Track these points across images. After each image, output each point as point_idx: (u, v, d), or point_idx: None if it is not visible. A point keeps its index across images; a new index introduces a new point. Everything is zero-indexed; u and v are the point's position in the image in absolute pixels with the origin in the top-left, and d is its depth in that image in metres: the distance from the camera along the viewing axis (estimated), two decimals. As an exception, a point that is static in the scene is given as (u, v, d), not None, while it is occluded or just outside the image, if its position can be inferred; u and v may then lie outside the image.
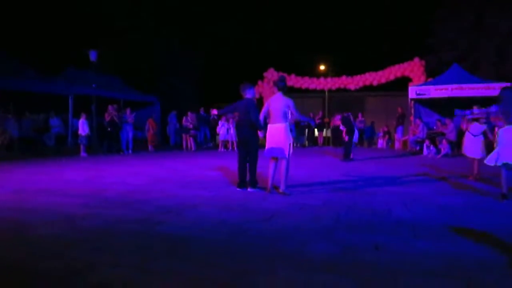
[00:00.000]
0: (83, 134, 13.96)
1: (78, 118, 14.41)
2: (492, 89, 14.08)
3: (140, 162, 11.50)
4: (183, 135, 17.38)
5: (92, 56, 16.04)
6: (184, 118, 17.22)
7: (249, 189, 6.47)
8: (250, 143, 6.48)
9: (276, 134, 6.15)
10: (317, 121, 19.88)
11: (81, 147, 13.85)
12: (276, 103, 6.20)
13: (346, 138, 12.07)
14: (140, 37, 23.25)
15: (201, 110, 19.36)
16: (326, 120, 22.70)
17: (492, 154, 5.94)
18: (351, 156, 11.97)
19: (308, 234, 3.98)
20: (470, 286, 2.73)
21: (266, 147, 6.29)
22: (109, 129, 14.82)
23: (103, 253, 3.41)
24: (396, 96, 19.51)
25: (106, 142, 15.25)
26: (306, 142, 20.11)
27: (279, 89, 6.31)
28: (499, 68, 18.30)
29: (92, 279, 2.85)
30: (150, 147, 16.54)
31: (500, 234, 3.99)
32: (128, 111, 15.42)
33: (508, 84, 13.97)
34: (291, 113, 6.39)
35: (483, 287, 2.73)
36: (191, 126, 16.94)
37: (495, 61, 18.02)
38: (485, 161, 6.12)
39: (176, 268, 3.06)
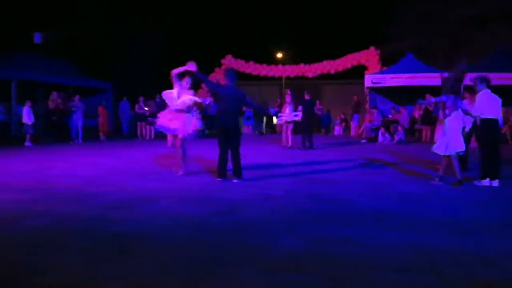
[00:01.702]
0: (28, 122, 13.01)
1: (23, 105, 13.41)
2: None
3: (92, 152, 10.87)
4: (138, 123, 16.70)
5: (37, 38, 14.98)
6: (136, 105, 16.53)
7: (235, 181, 6.18)
8: (236, 132, 6.35)
9: (177, 116, 6.52)
10: (276, 109, 19.77)
11: (27, 136, 12.91)
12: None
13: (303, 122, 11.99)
14: (93, 19, 21.98)
15: (158, 97, 18.69)
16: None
17: (441, 143, 6.05)
18: (307, 145, 11.87)
19: (273, 228, 3.81)
20: (441, 280, 2.67)
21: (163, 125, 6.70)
22: (54, 117, 13.92)
23: (47, 255, 3.07)
24: (353, 84, 19.82)
25: (53, 131, 14.33)
26: (264, 130, 20.02)
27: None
28: (452, 57, 19.02)
29: (32, 286, 2.53)
30: (101, 136, 15.77)
31: (464, 222, 4.02)
32: (77, 98, 14.53)
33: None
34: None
35: (454, 280, 2.68)
36: (147, 113, 16.27)
37: (447, 51, 18.70)
38: (432, 149, 6.22)
39: (126, 271, 2.77)
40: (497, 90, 14.58)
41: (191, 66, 6.29)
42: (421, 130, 15.10)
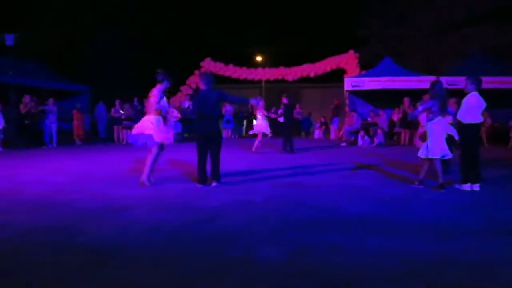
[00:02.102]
0: (-2, 127, 12.46)
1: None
2: (422, 82, 14.74)
3: (65, 157, 10.45)
4: (115, 127, 16.27)
5: (9, 40, 14.41)
6: (112, 109, 16.13)
7: (213, 184, 6.07)
8: (217, 137, 6.21)
9: (146, 120, 6.05)
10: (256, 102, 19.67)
11: (-4, 141, 12.36)
12: (151, 95, 6.15)
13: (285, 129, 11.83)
14: (68, 20, 21.42)
15: (135, 100, 18.30)
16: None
17: (424, 147, 6.00)
18: (287, 148, 11.76)
19: (254, 236, 3.63)
20: (431, 289, 2.55)
21: (135, 133, 6.13)
22: (26, 121, 13.40)
23: (6, 274, 2.80)
24: (333, 87, 19.90)
25: (25, 136, 13.79)
26: (245, 133, 19.85)
27: (158, 82, 6.15)
28: (428, 59, 19.34)
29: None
30: (76, 140, 15.29)
31: (447, 227, 3.94)
32: (50, 101, 14.03)
33: (435, 78, 14.76)
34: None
35: (444, 290, 2.56)
36: (123, 116, 15.88)
37: (423, 53, 18.98)
38: (418, 154, 6.16)
39: (101, 288, 2.57)
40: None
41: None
42: (400, 133, 15.23)
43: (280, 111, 12.23)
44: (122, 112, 15.81)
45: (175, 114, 7.04)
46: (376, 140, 14.20)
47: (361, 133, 14.90)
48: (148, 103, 6.23)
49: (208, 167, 6.16)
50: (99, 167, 8.48)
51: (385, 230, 3.86)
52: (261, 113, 11.03)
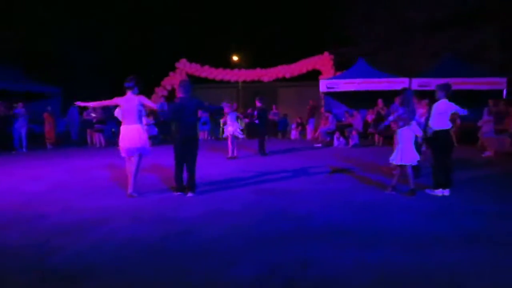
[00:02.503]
0: (-36, 132, 12.01)
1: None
2: (394, 83, 15.04)
3: (37, 163, 10.14)
4: (88, 130, 15.93)
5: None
6: (84, 112, 15.79)
7: (189, 194, 6.04)
8: (194, 145, 6.19)
9: (134, 134, 5.93)
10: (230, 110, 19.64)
11: (-38, 147, 11.91)
12: (128, 104, 5.97)
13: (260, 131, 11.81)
14: (39, 21, 20.76)
15: (108, 103, 17.97)
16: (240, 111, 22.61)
17: (395, 153, 6.13)
18: (261, 151, 11.75)
19: (230, 252, 3.63)
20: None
21: (124, 148, 5.99)
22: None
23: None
24: (309, 86, 19.92)
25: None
26: (221, 135, 19.76)
27: (127, 89, 6.04)
28: (401, 61, 19.73)
29: None
30: (48, 144, 14.87)
31: (420, 237, 4.03)
32: (20, 104, 13.60)
33: (407, 79, 15.11)
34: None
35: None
36: (94, 120, 15.56)
37: (396, 55, 19.36)
38: (390, 159, 6.29)
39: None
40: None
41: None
42: (374, 134, 15.50)
43: (254, 113, 12.24)
44: (93, 115, 15.47)
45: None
46: (351, 142, 14.41)
47: (337, 134, 15.08)
48: (125, 110, 6.07)
49: (185, 174, 6.14)
50: (72, 174, 8.28)
51: (362, 241, 3.92)
52: (230, 116, 10.94)
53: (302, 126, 19.46)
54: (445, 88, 6.22)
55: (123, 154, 6.13)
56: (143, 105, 6.04)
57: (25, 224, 4.51)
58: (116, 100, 6.12)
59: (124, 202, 5.66)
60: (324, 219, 4.74)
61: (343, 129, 15.68)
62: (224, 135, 11.06)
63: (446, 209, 5.23)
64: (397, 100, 14.54)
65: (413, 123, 6.10)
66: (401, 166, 6.09)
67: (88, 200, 5.75)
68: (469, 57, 16.68)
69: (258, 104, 11.73)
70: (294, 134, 19.38)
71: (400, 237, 4.03)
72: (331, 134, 15.84)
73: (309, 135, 18.52)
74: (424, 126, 6.43)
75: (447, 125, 6.12)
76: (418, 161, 6.25)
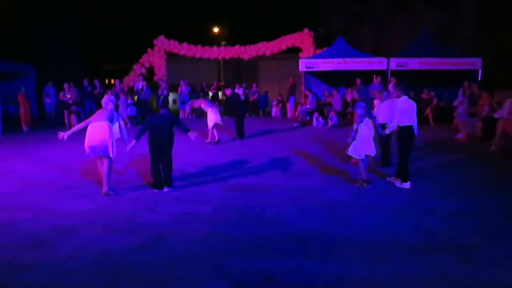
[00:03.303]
0: None
1: None
2: (372, 63, 15.11)
3: (10, 151, 9.96)
4: (65, 112, 15.63)
5: None
6: (61, 93, 15.46)
7: (165, 189, 6.27)
8: (170, 142, 6.33)
9: (99, 131, 5.95)
10: (212, 91, 19.53)
11: None
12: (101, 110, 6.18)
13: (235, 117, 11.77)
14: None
15: (85, 82, 17.58)
16: (222, 83, 22.39)
17: (353, 147, 6.36)
18: (239, 135, 11.67)
19: (198, 265, 3.76)
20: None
21: (88, 147, 6.01)
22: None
23: None
24: (291, 60, 19.66)
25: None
26: (201, 113, 19.65)
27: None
28: (379, 40, 19.72)
29: None
30: (24, 127, 14.61)
31: (382, 244, 4.23)
32: (-9, 87, 13.22)
33: (385, 59, 15.16)
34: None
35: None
36: (70, 101, 15.26)
37: (374, 34, 19.32)
38: (347, 152, 6.50)
39: None
40: (419, 74, 15.42)
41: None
42: (352, 113, 15.67)
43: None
44: (68, 96, 15.17)
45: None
46: (330, 122, 14.57)
47: (316, 114, 15.20)
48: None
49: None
50: (46, 167, 8.21)
51: (325, 250, 4.10)
52: (209, 108, 10.90)
53: (282, 103, 19.50)
54: (403, 86, 6.65)
55: (89, 155, 6.11)
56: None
57: (-4, 234, 4.54)
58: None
59: (98, 203, 5.71)
60: (292, 222, 4.91)
61: (322, 108, 15.79)
62: (209, 126, 10.94)
63: (410, 207, 5.45)
64: (376, 80, 14.76)
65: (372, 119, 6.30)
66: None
67: (61, 202, 5.77)
68: (445, 34, 16.76)
69: (227, 92, 11.65)
70: (274, 111, 19.43)
71: (363, 245, 4.21)
72: (310, 113, 15.96)
73: (289, 113, 18.61)
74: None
75: (411, 121, 6.39)
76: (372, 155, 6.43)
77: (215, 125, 10.85)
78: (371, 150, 6.31)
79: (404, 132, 6.37)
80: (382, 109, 7.58)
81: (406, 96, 6.48)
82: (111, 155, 5.96)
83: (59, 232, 4.61)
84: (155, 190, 6.24)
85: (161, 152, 6.24)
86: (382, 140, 7.37)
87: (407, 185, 6.36)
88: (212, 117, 10.72)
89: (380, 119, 7.06)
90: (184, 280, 3.49)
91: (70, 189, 6.47)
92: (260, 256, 3.95)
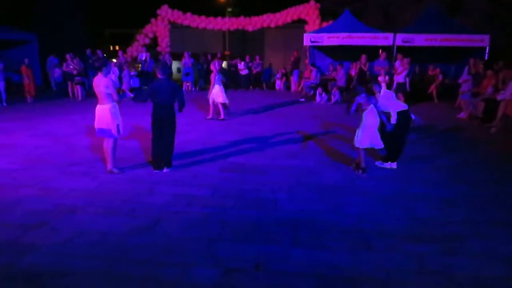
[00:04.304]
0: None
1: None
2: (377, 38, 14.88)
3: (14, 124, 10.12)
4: (69, 83, 15.70)
5: None
6: (64, 64, 15.45)
7: (165, 170, 6.41)
8: (171, 126, 6.35)
9: (103, 115, 6.05)
10: (218, 62, 19.38)
11: None
12: (97, 85, 6.00)
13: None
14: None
15: (88, 52, 17.53)
16: (227, 52, 22.21)
17: (357, 136, 6.35)
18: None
19: (191, 251, 3.94)
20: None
21: (96, 127, 6.17)
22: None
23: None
24: (297, 29, 19.32)
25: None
26: (205, 84, 19.62)
27: (95, 69, 6.21)
28: (386, 9, 19.25)
29: None
30: (28, 98, 14.73)
31: (371, 232, 4.37)
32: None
33: (391, 35, 14.90)
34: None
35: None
36: (75, 72, 15.30)
37: (382, 6, 18.88)
38: (354, 143, 6.48)
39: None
40: (425, 49, 15.17)
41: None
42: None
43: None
44: (71, 66, 15.18)
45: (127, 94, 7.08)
46: (333, 98, 14.53)
47: (319, 90, 15.14)
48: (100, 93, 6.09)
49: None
50: (52, 140, 8.40)
51: (314, 236, 4.26)
52: (217, 80, 10.57)
53: (286, 76, 19.38)
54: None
55: (96, 135, 6.28)
56: (112, 83, 6.07)
57: None
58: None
59: (100, 182, 5.88)
60: (286, 206, 5.07)
61: (326, 83, 15.71)
62: (210, 101, 10.84)
63: (403, 193, 5.57)
64: (382, 55, 14.55)
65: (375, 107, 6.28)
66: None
67: (65, 180, 5.96)
68: (452, 12, 16.37)
69: (214, 67, 10.76)
70: (278, 84, 19.35)
71: (352, 232, 4.38)
72: (314, 88, 15.90)
73: (293, 87, 18.54)
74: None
75: (403, 106, 6.51)
76: (378, 147, 6.39)
77: (223, 104, 10.75)
78: (378, 142, 6.25)
79: (401, 116, 6.39)
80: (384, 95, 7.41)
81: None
82: (115, 136, 6.12)
83: (61, 212, 4.80)
84: (155, 171, 6.40)
85: (161, 134, 6.28)
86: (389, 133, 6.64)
87: (393, 165, 6.60)
88: (220, 94, 10.62)
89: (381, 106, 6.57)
90: (177, 266, 3.67)
91: (73, 166, 6.64)
92: (251, 242, 4.13)
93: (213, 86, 10.57)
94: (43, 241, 4.10)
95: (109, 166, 6.30)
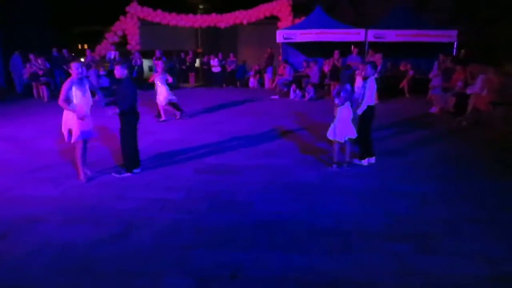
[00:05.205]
0: None
1: None
2: (350, 34, 14.93)
3: (-24, 128, 9.61)
4: (33, 83, 15.04)
5: None
6: (28, 64, 14.79)
7: (135, 170, 6.20)
8: (123, 122, 6.00)
9: (65, 119, 5.89)
10: (189, 61, 19.08)
11: None
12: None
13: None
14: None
15: (54, 51, 16.84)
16: (199, 50, 21.80)
17: (332, 130, 6.32)
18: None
19: (164, 259, 3.74)
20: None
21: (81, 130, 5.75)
22: None
23: None
24: (270, 25, 19.16)
25: None
26: (177, 84, 19.21)
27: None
28: (357, 5, 19.38)
29: None
30: (-10, 99, 14.03)
31: (349, 233, 4.28)
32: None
33: (363, 30, 14.99)
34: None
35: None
36: (40, 72, 14.67)
37: (352, 3, 19.01)
38: (328, 136, 6.44)
39: None
40: (396, 45, 15.29)
41: None
42: (330, 85, 15.59)
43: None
44: (36, 67, 14.56)
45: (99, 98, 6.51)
46: (307, 95, 14.48)
47: (293, 86, 15.07)
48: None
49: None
50: (14, 145, 7.97)
51: (290, 239, 4.14)
52: (160, 80, 10.03)
53: (259, 74, 19.23)
54: (375, 66, 6.60)
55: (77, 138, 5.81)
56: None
57: (-44, 226, 4.40)
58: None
59: (65, 188, 5.58)
60: (261, 208, 4.92)
61: (300, 80, 15.65)
62: (160, 105, 10.21)
63: (380, 190, 5.52)
64: (354, 51, 14.60)
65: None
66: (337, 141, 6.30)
67: (27, 188, 5.63)
68: (421, 7, 16.64)
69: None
70: (252, 82, 19.18)
71: (329, 233, 4.27)
72: (288, 85, 15.83)
73: (267, 84, 18.41)
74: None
75: (373, 101, 6.50)
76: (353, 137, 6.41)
77: (167, 103, 10.26)
78: (352, 132, 6.27)
79: (369, 111, 6.45)
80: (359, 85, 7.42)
81: (373, 77, 6.48)
82: (71, 141, 5.79)
83: (23, 222, 4.50)
84: (127, 174, 6.10)
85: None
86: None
87: (372, 160, 6.60)
88: (165, 94, 10.12)
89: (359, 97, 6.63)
90: (149, 276, 3.47)
91: (36, 172, 6.29)
92: (227, 248, 3.96)
93: (157, 86, 10.08)
94: (2, 255, 3.81)
95: (80, 175, 5.91)
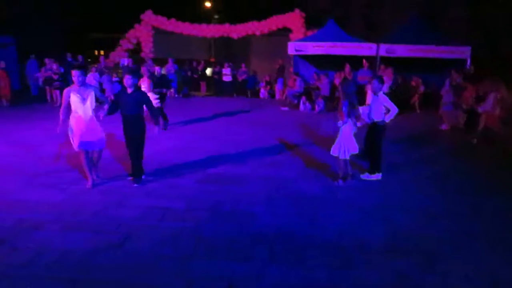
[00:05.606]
0: None
1: None
2: (361, 48, 14.89)
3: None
4: (47, 88, 15.29)
5: None
6: (43, 68, 15.05)
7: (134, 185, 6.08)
8: (142, 138, 5.99)
9: (89, 127, 5.75)
10: (199, 69, 19.23)
11: None
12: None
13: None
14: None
15: (68, 56, 17.14)
16: (212, 59, 21.94)
17: (336, 146, 6.21)
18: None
19: (162, 270, 3.70)
20: None
21: (82, 141, 5.73)
22: None
23: None
24: (283, 37, 19.22)
25: None
26: (189, 92, 19.37)
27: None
28: (370, 19, 19.36)
29: None
30: (3, 101, 14.29)
31: (351, 248, 4.19)
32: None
33: (375, 45, 14.94)
34: None
35: None
36: (55, 76, 14.91)
37: (365, 17, 19.00)
38: (331, 153, 6.34)
39: None
40: (408, 59, 15.17)
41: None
42: (339, 98, 15.53)
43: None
44: (51, 72, 14.81)
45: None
46: (317, 108, 14.44)
47: (303, 98, 15.05)
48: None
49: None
50: (20, 149, 8.05)
51: (291, 252, 4.07)
52: (146, 86, 9.64)
53: (270, 85, 19.27)
54: (381, 80, 6.53)
55: (77, 148, 5.80)
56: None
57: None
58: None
59: (68, 194, 5.59)
60: (263, 220, 4.86)
61: (310, 92, 15.63)
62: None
63: (383, 205, 5.42)
64: (365, 65, 14.56)
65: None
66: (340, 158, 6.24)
67: (30, 192, 5.65)
68: (434, 23, 16.54)
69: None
70: (263, 92, 19.22)
71: (331, 248, 4.19)
72: (298, 97, 15.81)
73: (277, 95, 18.43)
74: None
75: (382, 116, 6.44)
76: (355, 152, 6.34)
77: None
78: (354, 148, 6.20)
79: (381, 126, 6.45)
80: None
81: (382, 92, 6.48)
82: (75, 148, 5.81)
83: (22, 228, 4.50)
84: (129, 179, 6.12)
85: (136, 145, 5.98)
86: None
87: (378, 176, 6.50)
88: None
89: (374, 116, 6.48)
90: (145, 287, 3.43)
91: (41, 175, 6.33)
92: (226, 260, 3.91)
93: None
94: (1, 261, 3.81)
95: (88, 183, 5.92)
